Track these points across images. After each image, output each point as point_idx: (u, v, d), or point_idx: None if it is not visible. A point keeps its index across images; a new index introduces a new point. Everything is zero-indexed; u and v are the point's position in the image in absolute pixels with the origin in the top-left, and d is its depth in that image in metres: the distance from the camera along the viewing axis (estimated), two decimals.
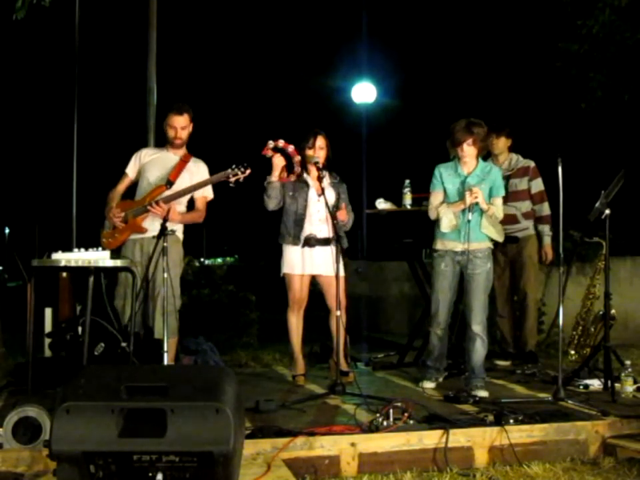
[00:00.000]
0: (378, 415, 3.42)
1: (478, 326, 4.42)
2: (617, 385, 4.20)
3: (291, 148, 4.62)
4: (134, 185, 4.68)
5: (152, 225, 4.42)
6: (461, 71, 19.92)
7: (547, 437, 3.41)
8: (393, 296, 9.12)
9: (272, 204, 4.75)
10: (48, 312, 5.49)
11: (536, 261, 5.63)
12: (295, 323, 4.87)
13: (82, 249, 3.90)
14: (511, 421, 3.43)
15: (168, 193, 4.45)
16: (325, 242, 4.71)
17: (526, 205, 5.55)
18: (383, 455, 3.23)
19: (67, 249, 3.98)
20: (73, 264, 3.85)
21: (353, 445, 3.21)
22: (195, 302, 6.87)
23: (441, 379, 4.68)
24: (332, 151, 4.84)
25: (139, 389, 2.50)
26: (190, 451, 2.40)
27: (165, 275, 4.03)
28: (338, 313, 4.32)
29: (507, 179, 5.54)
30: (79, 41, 7.44)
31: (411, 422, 3.43)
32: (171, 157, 4.62)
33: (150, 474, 2.42)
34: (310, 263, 4.75)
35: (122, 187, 4.66)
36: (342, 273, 4.42)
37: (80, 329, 4.46)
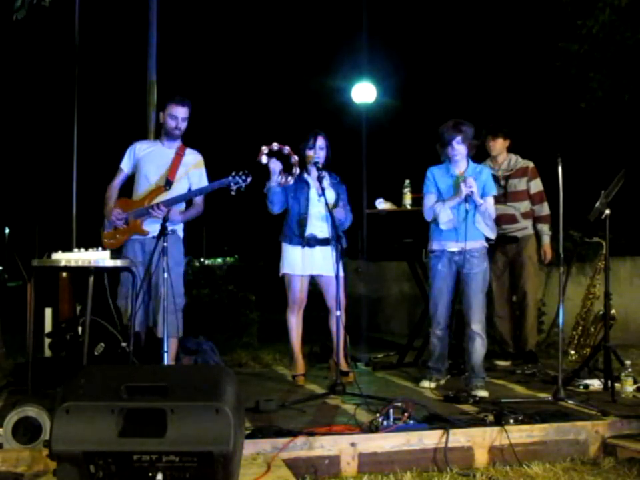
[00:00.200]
0: (378, 414, 3.41)
1: (477, 325, 4.43)
2: (617, 385, 4.20)
3: (286, 149, 4.58)
4: (130, 180, 4.67)
5: (152, 226, 4.41)
6: (461, 70, 19.93)
7: (547, 437, 3.41)
8: (393, 296, 9.13)
9: (276, 208, 4.75)
10: (48, 312, 5.50)
11: (535, 261, 5.64)
12: (295, 323, 4.87)
13: (82, 249, 3.89)
14: (511, 420, 3.43)
15: (168, 196, 4.44)
16: (325, 242, 4.71)
17: (525, 205, 5.56)
18: (383, 454, 3.23)
19: (67, 249, 3.97)
20: (73, 264, 3.84)
21: (352, 445, 3.21)
22: (195, 302, 6.87)
23: (442, 381, 4.68)
24: (332, 151, 4.84)
25: (139, 389, 2.50)
26: (190, 451, 2.40)
27: (166, 275, 4.04)
28: (338, 313, 4.32)
29: (506, 179, 5.57)
30: (79, 41, 7.43)
31: (411, 422, 3.43)
32: (166, 152, 4.60)
33: (150, 474, 2.42)
34: (310, 263, 4.75)
35: (117, 182, 4.64)
36: (341, 273, 4.42)
37: (80, 328, 4.46)
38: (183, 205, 4.60)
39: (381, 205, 5.41)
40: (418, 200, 5.27)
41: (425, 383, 4.61)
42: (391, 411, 3.41)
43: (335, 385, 4.18)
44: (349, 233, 4.97)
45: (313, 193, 4.76)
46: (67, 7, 7.24)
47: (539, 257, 5.63)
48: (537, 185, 5.57)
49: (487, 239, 4.55)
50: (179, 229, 4.57)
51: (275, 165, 4.60)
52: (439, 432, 3.29)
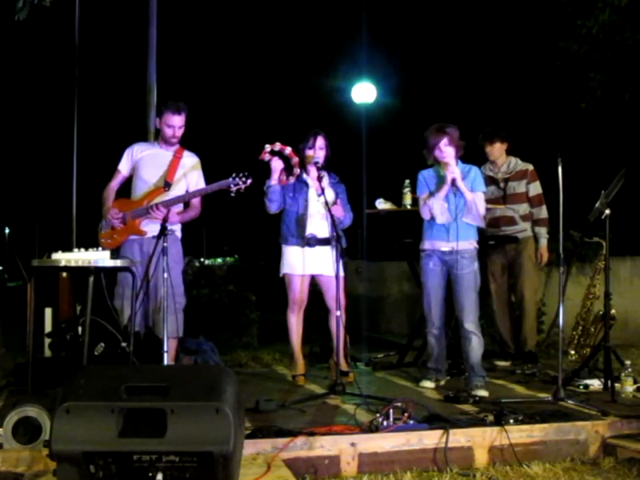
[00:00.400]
0: (378, 414, 3.41)
1: (471, 324, 4.44)
2: (617, 385, 4.20)
3: (288, 150, 4.60)
4: (127, 181, 4.67)
5: (151, 227, 4.41)
6: (461, 71, 19.94)
7: (547, 437, 3.41)
8: (393, 296, 9.13)
9: (274, 207, 4.75)
10: (48, 312, 5.49)
11: (534, 262, 5.64)
12: (295, 323, 4.87)
13: (82, 249, 3.89)
14: (511, 421, 3.43)
15: (167, 197, 4.45)
16: (325, 242, 4.71)
17: (524, 208, 5.58)
18: (382, 454, 3.22)
19: (67, 249, 3.97)
20: (73, 264, 3.84)
21: (352, 444, 3.21)
22: (195, 302, 6.87)
23: (442, 381, 4.68)
24: (332, 150, 4.84)
25: (138, 389, 2.50)
26: (190, 451, 2.40)
27: (166, 275, 4.04)
28: (338, 313, 4.32)
29: (505, 181, 5.60)
30: (79, 42, 7.43)
31: (411, 422, 3.43)
32: (164, 154, 4.60)
33: (150, 474, 2.42)
34: (310, 263, 4.75)
35: (115, 183, 4.64)
36: (342, 273, 4.43)
37: (80, 328, 4.46)
38: (180, 207, 4.60)
39: (381, 204, 5.41)
40: (418, 200, 5.27)
41: (425, 383, 4.61)
42: (391, 411, 3.40)
43: (335, 385, 4.17)
44: (349, 232, 4.97)
45: (312, 192, 4.76)
46: (67, 8, 7.24)
47: (536, 259, 5.64)
48: (535, 188, 5.58)
49: (486, 240, 4.56)
50: (177, 229, 4.58)
51: (277, 164, 4.62)
52: (438, 432, 3.29)
